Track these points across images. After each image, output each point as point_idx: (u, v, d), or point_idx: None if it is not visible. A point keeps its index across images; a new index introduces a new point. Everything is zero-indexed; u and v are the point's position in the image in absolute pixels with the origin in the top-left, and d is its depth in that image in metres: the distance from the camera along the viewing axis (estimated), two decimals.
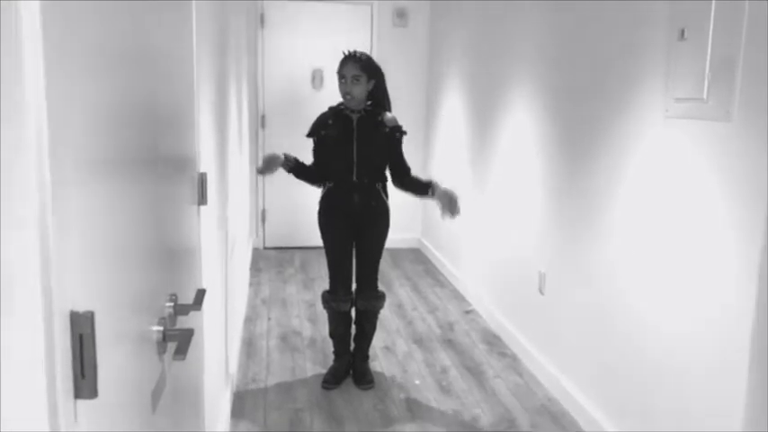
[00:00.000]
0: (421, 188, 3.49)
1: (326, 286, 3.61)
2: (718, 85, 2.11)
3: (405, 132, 3.45)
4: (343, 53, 3.37)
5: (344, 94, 3.31)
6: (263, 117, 6.25)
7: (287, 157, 3.37)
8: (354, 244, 3.50)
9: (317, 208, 3.53)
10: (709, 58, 2.13)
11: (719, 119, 2.12)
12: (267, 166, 3.36)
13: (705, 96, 2.16)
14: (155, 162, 1.23)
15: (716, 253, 2.20)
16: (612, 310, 2.92)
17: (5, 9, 0.58)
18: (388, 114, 3.40)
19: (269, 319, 4.54)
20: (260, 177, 6.24)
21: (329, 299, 3.54)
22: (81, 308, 0.73)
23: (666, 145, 2.50)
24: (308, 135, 3.46)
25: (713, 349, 2.22)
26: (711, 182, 2.22)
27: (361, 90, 3.30)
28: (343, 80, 3.30)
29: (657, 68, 2.53)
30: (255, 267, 5.78)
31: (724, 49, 2.08)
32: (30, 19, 0.60)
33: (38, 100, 0.62)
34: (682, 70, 2.32)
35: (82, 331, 0.72)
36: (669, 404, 2.49)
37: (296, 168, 3.42)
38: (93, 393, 0.74)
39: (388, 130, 3.37)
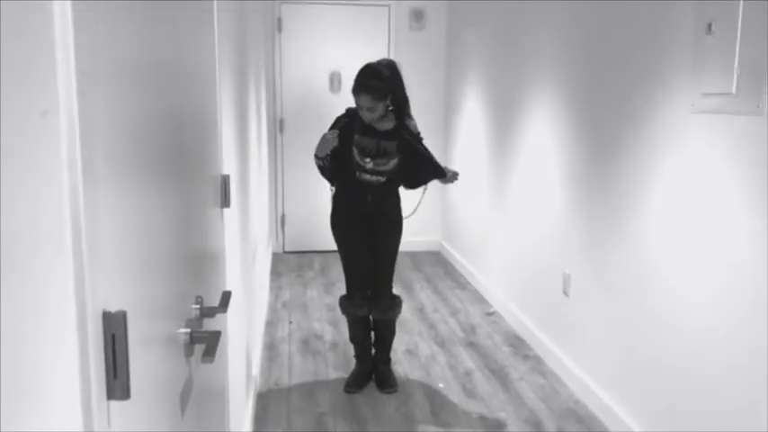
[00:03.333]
0: (433, 173, 3.47)
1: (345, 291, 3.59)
2: (748, 79, 2.06)
3: (422, 138, 3.45)
4: (361, 69, 3.24)
5: (362, 116, 3.27)
6: (281, 121, 6.26)
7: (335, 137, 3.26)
8: (368, 248, 3.46)
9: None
10: (738, 51, 2.09)
11: (750, 113, 2.07)
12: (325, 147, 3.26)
13: (734, 90, 2.12)
14: (180, 165, 1.23)
15: (749, 253, 2.16)
16: (639, 311, 2.88)
17: (42, 27, 0.59)
18: (410, 121, 3.39)
19: (290, 322, 4.54)
20: (279, 182, 6.26)
21: (347, 304, 3.52)
22: (113, 308, 0.72)
23: (694, 141, 2.45)
24: (335, 125, 3.38)
25: (740, 352, 2.17)
26: (743, 178, 2.18)
27: (378, 112, 3.25)
28: (359, 107, 3.24)
29: (683, 64, 2.49)
30: (276, 271, 5.78)
31: (754, 43, 2.04)
32: (62, 32, 0.60)
33: (70, 105, 0.61)
34: (709, 65, 2.28)
35: (114, 331, 0.70)
36: (696, 407, 2.44)
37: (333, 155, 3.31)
38: (125, 394, 0.73)
39: (409, 136, 3.37)
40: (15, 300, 0.60)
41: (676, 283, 2.58)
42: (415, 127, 3.42)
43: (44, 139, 0.59)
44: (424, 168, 3.44)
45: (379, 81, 3.20)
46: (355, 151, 3.32)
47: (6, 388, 0.60)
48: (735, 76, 2.12)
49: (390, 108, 3.33)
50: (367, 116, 3.25)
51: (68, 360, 0.62)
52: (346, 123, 3.33)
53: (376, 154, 3.32)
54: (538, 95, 4.09)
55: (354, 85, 3.23)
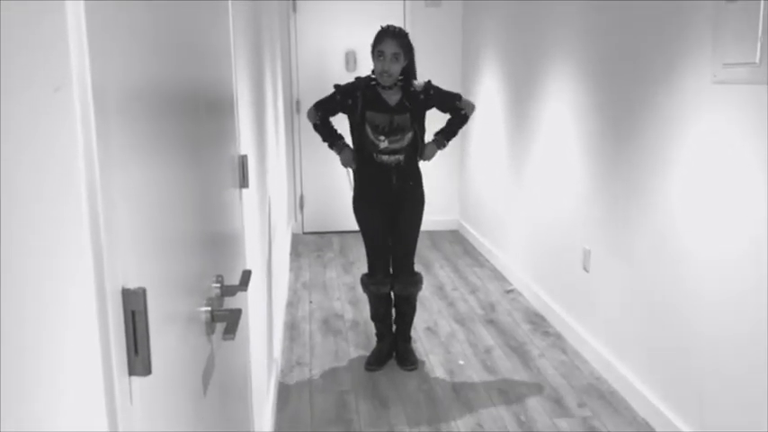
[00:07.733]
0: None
1: (366, 269, 3.60)
2: None
3: (430, 81, 3.38)
4: (381, 27, 3.28)
5: (382, 71, 3.24)
6: (297, 102, 6.25)
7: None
8: (391, 226, 3.46)
9: (351, 193, 3.51)
10: (761, 18, 2.04)
11: None
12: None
13: (758, 60, 2.08)
14: (198, 144, 1.22)
15: None
16: (660, 285, 2.85)
17: (53, 2, 0.57)
18: (415, 82, 3.34)
19: (310, 302, 4.56)
20: (297, 163, 6.26)
21: (368, 282, 3.53)
22: (132, 285, 0.72)
23: (715, 112, 2.41)
24: (336, 88, 3.39)
25: (765, 325, 2.15)
26: (766, 150, 2.13)
27: (398, 68, 3.24)
28: (381, 57, 3.22)
29: (703, 33, 2.44)
30: (295, 252, 5.80)
31: None
32: (74, 6, 0.59)
33: (83, 81, 0.61)
34: (731, 34, 2.23)
35: (134, 308, 0.71)
36: (721, 381, 2.42)
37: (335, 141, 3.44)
38: (146, 370, 0.73)
39: (422, 97, 3.32)
40: (33, 277, 0.60)
41: (698, 257, 2.55)
42: (420, 85, 3.33)
43: (58, 116, 0.59)
44: (454, 119, 3.46)
45: (403, 32, 3.26)
46: (368, 129, 3.29)
47: (28, 365, 0.61)
48: (758, 44, 2.07)
49: (400, 78, 3.30)
50: (388, 68, 3.21)
51: (89, 337, 0.62)
52: (354, 97, 3.30)
53: (389, 131, 3.30)
54: (556, 69, 4.04)
55: (377, 35, 3.24)
